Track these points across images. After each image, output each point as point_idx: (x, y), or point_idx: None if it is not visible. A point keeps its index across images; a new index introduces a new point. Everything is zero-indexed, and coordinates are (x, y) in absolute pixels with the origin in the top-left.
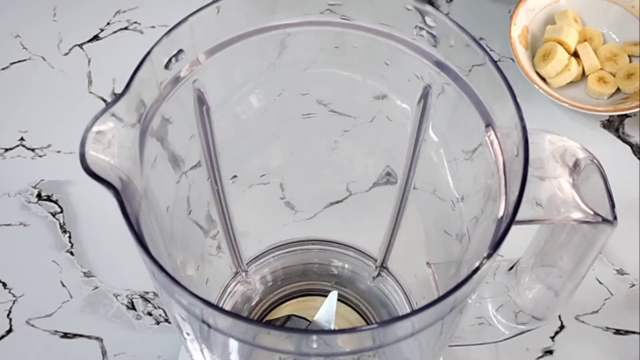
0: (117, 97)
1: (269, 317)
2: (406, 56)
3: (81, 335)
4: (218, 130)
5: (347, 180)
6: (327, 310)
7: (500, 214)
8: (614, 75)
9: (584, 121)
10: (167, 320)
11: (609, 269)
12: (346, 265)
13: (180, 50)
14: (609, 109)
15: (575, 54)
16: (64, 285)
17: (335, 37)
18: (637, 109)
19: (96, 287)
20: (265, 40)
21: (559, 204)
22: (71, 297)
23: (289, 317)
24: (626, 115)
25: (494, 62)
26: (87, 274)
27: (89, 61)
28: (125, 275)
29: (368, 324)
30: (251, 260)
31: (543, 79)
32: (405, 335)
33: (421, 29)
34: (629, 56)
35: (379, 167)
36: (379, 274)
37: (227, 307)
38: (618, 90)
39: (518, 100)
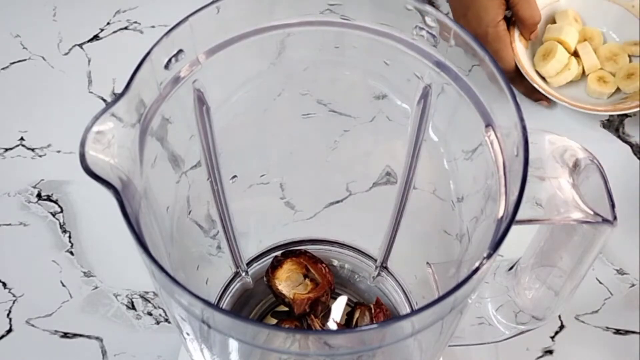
0: (117, 97)
1: (268, 317)
2: (406, 56)
3: (81, 335)
4: (218, 130)
5: (347, 180)
6: (336, 313)
7: (500, 214)
8: (613, 75)
9: (584, 121)
10: (167, 320)
11: (609, 269)
12: (346, 265)
13: (180, 50)
14: (609, 109)
15: (575, 54)
16: (64, 285)
17: (335, 37)
18: (637, 109)
19: (96, 287)
20: (265, 40)
21: (559, 204)
22: (71, 297)
23: (287, 312)
24: (626, 115)
25: (494, 62)
26: (87, 274)
27: (89, 61)
28: (125, 275)
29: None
30: (251, 260)
31: (543, 78)
32: (405, 335)
33: (421, 29)
34: (629, 56)
35: (379, 167)
36: (379, 274)
37: (227, 307)
38: (618, 90)
39: (518, 100)
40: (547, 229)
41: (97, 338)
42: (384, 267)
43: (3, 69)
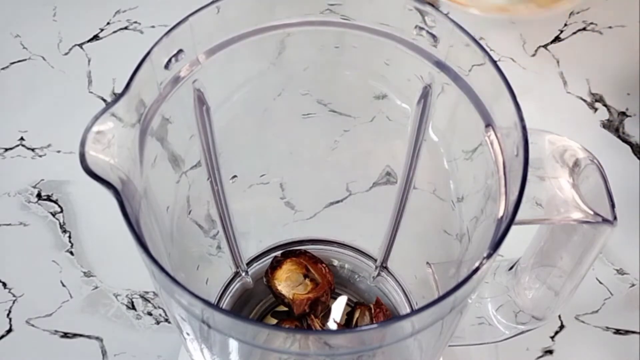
0: (117, 97)
1: (268, 317)
2: (406, 56)
3: (81, 335)
4: (218, 130)
5: (347, 180)
6: (336, 313)
7: (500, 214)
8: None
9: (583, 121)
10: (167, 320)
11: (609, 269)
12: (346, 265)
13: (180, 50)
14: (492, 10)
15: None
16: (64, 285)
17: (335, 37)
18: (527, 16)
19: (96, 287)
20: (265, 40)
21: (559, 204)
22: (71, 297)
23: (287, 312)
24: (626, 115)
25: (494, 62)
26: (87, 274)
27: (89, 61)
28: (125, 275)
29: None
30: (251, 260)
31: None
32: (405, 335)
33: (421, 29)
34: None
35: (379, 167)
36: (379, 274)
37: (227, 307)
38: None
39: (518, 100)
40: (547, 229)
41: (97, 338)
42: (384, 267)
43: (3, 69)
